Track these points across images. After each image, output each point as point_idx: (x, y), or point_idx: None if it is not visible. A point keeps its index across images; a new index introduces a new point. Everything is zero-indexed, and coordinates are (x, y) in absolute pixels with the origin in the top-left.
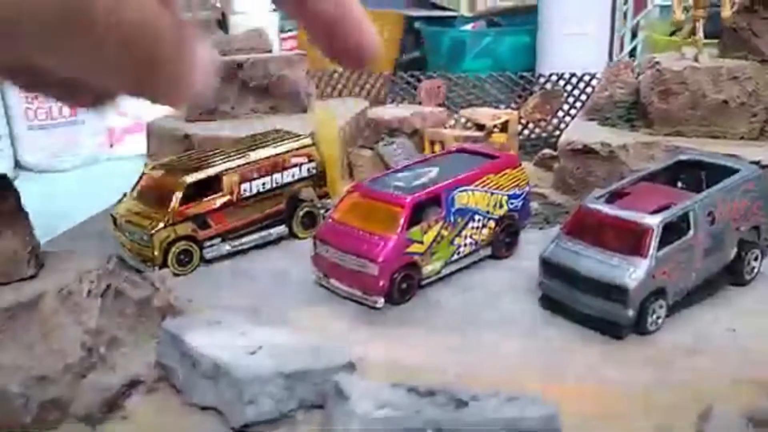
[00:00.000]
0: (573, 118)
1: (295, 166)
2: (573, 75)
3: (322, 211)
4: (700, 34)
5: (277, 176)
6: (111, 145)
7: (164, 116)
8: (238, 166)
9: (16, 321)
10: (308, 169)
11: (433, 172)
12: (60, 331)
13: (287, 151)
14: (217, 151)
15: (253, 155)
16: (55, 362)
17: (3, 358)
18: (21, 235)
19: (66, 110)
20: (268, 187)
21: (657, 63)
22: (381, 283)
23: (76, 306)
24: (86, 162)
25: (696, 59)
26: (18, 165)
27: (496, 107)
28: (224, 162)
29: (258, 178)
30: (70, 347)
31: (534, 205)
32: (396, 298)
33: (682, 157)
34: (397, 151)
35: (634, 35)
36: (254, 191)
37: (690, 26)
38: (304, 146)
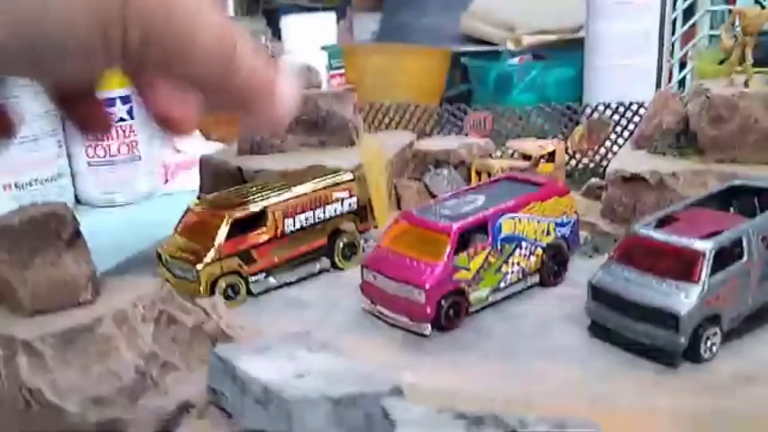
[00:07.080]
0: (621, 147)
1: (336, 201)
2: (620, 104)
3: (362, 242)
4: (750, 59)
5: (319, 211)
6: (166, 181)
7: (216, 151)
8: (282, 201)
9: (74, 344)
10: (349, 204)
11: (480, 199)
12: (115, 354)
13: (329, 186)
14: (260, 186)
15: (296, 190)
16: (111, 384)
17: (61, 379)
18: (80, 261)
19: (124, 148)
20: (310, 221)
21: (706, 89)
22: (428, 310)
23: (130, 331)
24: (141, 197)
25: (746, 85)
26: (77, 200)
27: (543, 138)
28: (268, 198)
29: (301, 213)
30: (125, 370)
31: (583, 234)
32: (443, 324)
33: (735, 183)
34: (444, 182)
35: (682, 66)
36: (297, 226)
37: (739, 52)
38: (345, 181)
